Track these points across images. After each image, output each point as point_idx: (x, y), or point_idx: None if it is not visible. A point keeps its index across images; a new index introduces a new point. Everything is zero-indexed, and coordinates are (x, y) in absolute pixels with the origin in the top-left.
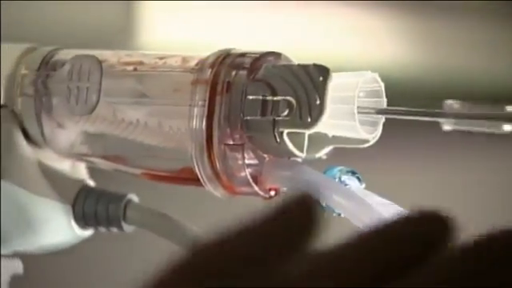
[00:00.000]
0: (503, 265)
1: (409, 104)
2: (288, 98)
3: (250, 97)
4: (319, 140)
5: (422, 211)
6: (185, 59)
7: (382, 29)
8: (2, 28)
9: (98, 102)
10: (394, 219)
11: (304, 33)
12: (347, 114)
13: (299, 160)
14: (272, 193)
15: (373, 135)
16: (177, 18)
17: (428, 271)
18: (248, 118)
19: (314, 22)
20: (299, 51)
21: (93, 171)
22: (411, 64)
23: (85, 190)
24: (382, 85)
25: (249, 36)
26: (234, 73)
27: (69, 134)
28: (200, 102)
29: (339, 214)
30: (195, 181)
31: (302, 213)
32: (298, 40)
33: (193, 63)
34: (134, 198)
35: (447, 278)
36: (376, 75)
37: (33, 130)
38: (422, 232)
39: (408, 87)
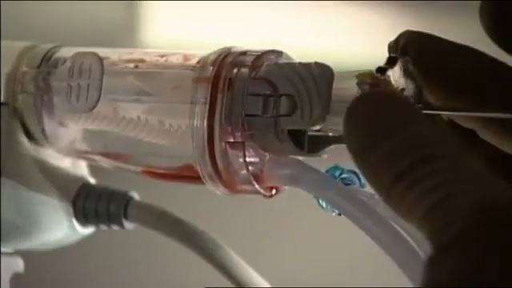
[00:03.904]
0: None
1: None
2: (289, 95)
3: (252, 94)
4: (321, 139)
5: None
6: (186, 57)
7: (385, 28)
8: (3, 26)
9: (98, 99)
10: None
11: (305, 32)
12: None
13: (300, 158)
14: (273, 191)
15: None
16: (179, 16)
17: None
18: (249, 115)
19: (315, 20)
20: (301, 50)
21: (94, 169)
22: None
23: (86, 187)
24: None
25: (251, 35)
26: (235, 70)
27: (69, 131)
28: (201, 100)
29: (339, 214)
30: (196, 179)
31: None
32: (299, 39)
33: (194, 61)
34: (135, 195)
35: None
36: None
37: (33, 128)
38: None
39: None
